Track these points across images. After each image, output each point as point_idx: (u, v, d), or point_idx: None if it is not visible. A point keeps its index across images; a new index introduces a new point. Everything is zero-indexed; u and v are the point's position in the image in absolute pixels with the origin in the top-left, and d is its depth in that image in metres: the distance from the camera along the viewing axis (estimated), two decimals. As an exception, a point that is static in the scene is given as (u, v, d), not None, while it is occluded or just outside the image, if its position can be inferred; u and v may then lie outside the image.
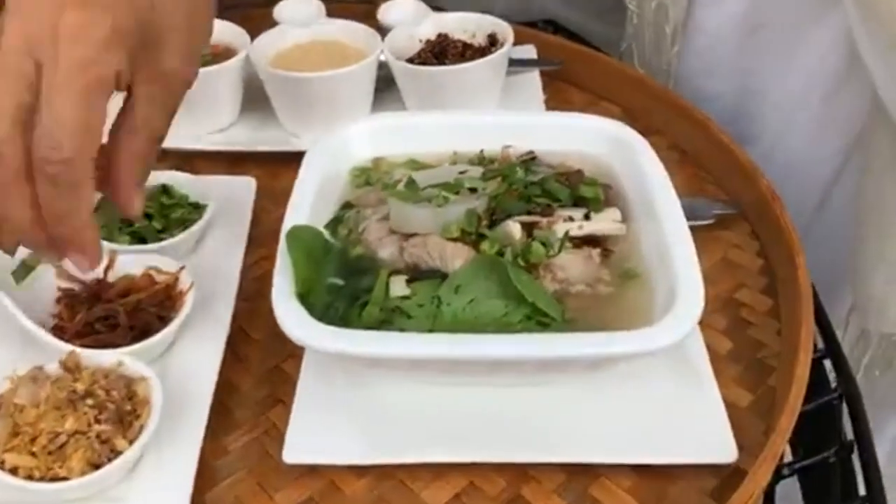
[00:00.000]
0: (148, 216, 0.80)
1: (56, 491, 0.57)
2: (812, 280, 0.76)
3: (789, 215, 0.81)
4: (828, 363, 0.76)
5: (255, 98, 1.02)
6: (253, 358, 0.75)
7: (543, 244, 0.63)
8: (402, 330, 0.61)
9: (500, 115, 0.80)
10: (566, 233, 0.65)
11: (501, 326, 0.61)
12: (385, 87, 1.02)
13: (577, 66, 1.11)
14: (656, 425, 0.65)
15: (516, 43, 1.11)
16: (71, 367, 0.62)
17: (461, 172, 0.71)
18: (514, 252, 0.63)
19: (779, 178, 0.92)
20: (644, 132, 1.01)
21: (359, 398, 0.67)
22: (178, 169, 0.97)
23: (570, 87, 1.13)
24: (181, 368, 0.69)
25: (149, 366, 0.68)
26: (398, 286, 0.64)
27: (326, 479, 0.64)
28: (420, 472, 0.64)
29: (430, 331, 0.61)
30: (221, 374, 0.72)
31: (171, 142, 0.96)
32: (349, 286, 0.65)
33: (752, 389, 0.71)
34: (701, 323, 0.75)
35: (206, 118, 0.99)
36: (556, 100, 1.10)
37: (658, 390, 0.67)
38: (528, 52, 1.12)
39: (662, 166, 0.73)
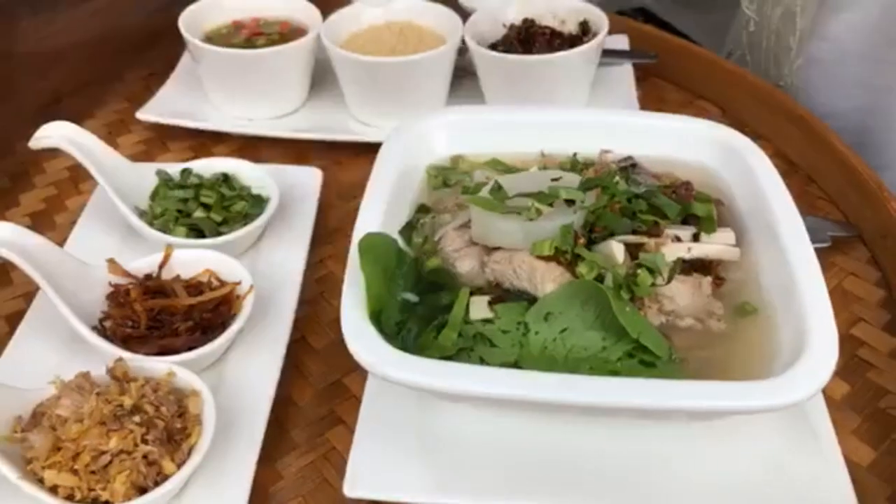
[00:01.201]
0: (206, 207, 0.74)
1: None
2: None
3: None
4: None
5: (326, 81, 0.96)
6: (313, 370, 0.68)
7: (651, 271, 0.55)
8: (482, 359, 0.54)
9: (595, 114, 0.72)
10: (678, 259, 0.57)
11: (598, 363, 0.53)
12: (464, 76, 0.95)
13: (672, 59, 1.02)
14: (764, 487, 0.56)
15: (609, 31, 1.03)
16: (119, 377, 0.57)
17: (554, 179, 0.63)
18: (616, 278, 0.55)
19: None
20: (747, 137, 0.94)
21: (430, 426, 0.60)
22: (240, 154, 0.92)
23: (664, 84, 1.03)
24: (236, 380, 0.64)
25: (203, 375, 0.63)
26: (479, 308, 0.56)
27: (389, 514, 0.58)
28: (491, 515, 0.57)
29: (516, 362, 0.54)
30: (279, 387, 0.66)
31: (233, 126, 0.93)
32: (425, 303, 0.58)
33: (875, 445, 0.62)
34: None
35: (272, 101, 0.93)
36: (649, 97, 1.01)
37: (767, 444, 0.58)
38: (621, 42, 1.03)
39: (782, 181, 0.64)
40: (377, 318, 0.54)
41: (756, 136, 0.92)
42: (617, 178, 0.62)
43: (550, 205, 0.59)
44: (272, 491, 0.60)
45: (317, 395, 0.66)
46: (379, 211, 0.62)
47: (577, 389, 0.49)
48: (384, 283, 0.55)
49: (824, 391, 0.65)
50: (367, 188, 0.64)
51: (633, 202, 0.59)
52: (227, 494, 0.56)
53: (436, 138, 0.72)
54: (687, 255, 0.60)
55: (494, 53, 0.88)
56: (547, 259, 0.57)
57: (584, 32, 0.93)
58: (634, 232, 0.58)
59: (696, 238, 0.61)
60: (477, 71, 0.91)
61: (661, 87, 1.02)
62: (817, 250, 0.75)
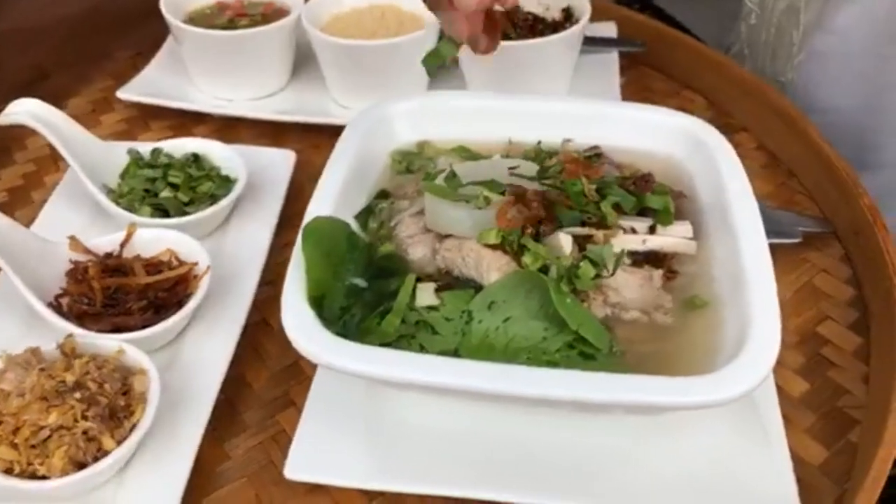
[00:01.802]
0: (174, 186, 0.74)
1: (34, 490, 0.52)
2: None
3: (893, 242, 0.70)
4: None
5: (308, 63, 0.96)
6: (271, 352, 0.69)
7: (595, 263, 0.54)
8: (422, 346, 0.54)
9: (562, 103, 0.71)
10: (623, 251, 0.56)
11: (537, 354, 0.53)
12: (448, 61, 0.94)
13: (660, 48, 1.00)
14: (710, 482, 0.56)
15: (597, 19, 1.01)
16: (67, 353, 0.57)
17: (512, 168, 0.62)
18: (560, 269, 0.54)
19: None
20: (730, 128, 0.92)
21: (376, 412, 0.60)
22: (220, 135, 0.92)
23: (652, 73, 1.02)
24: (189, 359, 0.64)
25: (157, 353, 0.64)
26: (426, 295, 0.56)
27: (331, 498, 0.58)
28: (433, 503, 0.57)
29: (456, 350, 0.54)
30: (235, 367, 0.66)
31: (212, 106, 0.93)
32: (372, 289, 0.58)
33: (828, 444, 0.61)
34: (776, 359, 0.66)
35: (253, 83, 0.93)
36: (635, 86, 1.00)
37: (716, 440, 0.58)
38: (609, 30, 1.01)
39: (745, 175, 0.63)
40: (319, 302, 0.54)
41: (740, 128, 0.92)
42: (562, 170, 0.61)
43: (502, 193, 0.59)
44: (219, 470, 0.60)
45: (272, 377, 0.67)
46: (332, 195, 0.61)
47: (502, 379, 0.49)
48: (328, 268, 0.55)
49: (782, 388, 0.64)
50: (323, 172, 0.64)
51: (584, 194, 0.58)
52: (168, 472, 0.56)
53: (402, 123, 0.71)
54: (641, 248, 0.59)
55: (472, 38, 0.87)
56: (494, 248, 0.57)
57: (567, 19, 0.91)
58: (584, 223, 0.57)
59: (652, 230, 0.61)
60: (457, 56, 0.90)
61: (648, 76, 1.01)
62: (788, 246, 0.76)
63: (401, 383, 0.51)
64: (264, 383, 0.66)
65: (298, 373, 0.67)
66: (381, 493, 0.57)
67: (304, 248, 0.54)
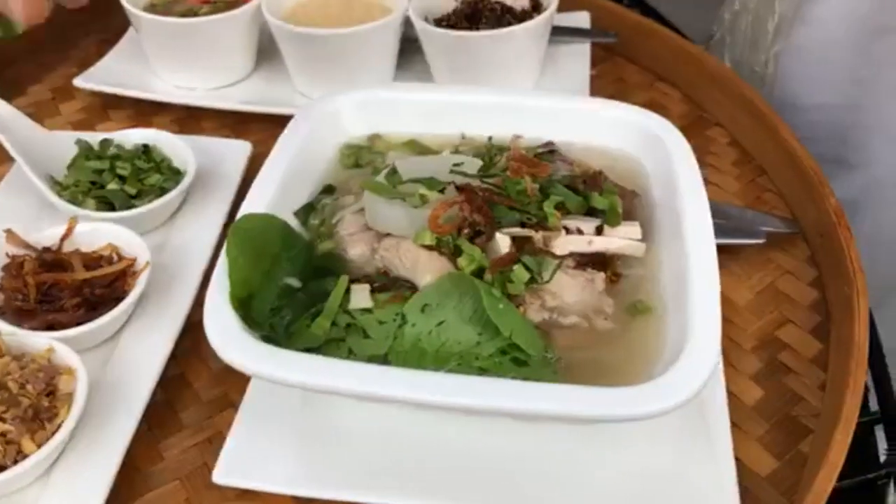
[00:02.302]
0: (122, 179, 0.73)
1: (-51, 493, 0.51)
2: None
3: (856, 245, 0.67)
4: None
5: (274, 52, 0.93)
6: (212, 351, 0.66)
7: (529, 268, 0.52)
8: (350, 351, 0.52)
9: (517, 97, 0.69)
10: (559, 257, 0.54)
11: (468, 359, 0.51)
12: (419, 49, 0.91)
13: (635, 39, 0.97)
14: (652, 489, 0.54)
15: (571, 8, 0.99)
16: (-12, 350, 0.56)
17: (457, 165, 0.60)
18: (494, 272, 0.52)
19: (882, 221, 0.78)
20: (703, 123, 0.90)
21: (310, 417, 0.58)
22: (180, 125, 0.91)
23: (627, 65, 0.99)
24: (126, 357, 0.62)
25: (94, 351, 0.62)
26: (360, 297, 0.54)
27: (263, 503, 0.57)
28: (368, 512, 0.56)
29: (385, 356, 0.52)
30: (176, 366, 0.65)
31: (171, 96, 0.91)
32: (308, 289, 0.56)
33: (779, 455, 0.59)
34: (730, 363, 0.64)
35: (213, 71, 0.91)
36: (608, 77, 0.97)
37: (660, 446, 0.56)
38: (583, 20, 0.99)
39: (699, 175, 0.61)
40: (247, 303, 0.53)
41: (713, 123, 0.90)
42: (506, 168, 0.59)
43: (442, 191, 0.57)
44: (150, 471, 0.59)
45: (213, 377, 0.65)
46: (271, 191, 0.60)
47: (418, 389, 0.47)
48: (257, 268, 0.54)
49: (735, 395, 0.62)
50: (263, 167, 0.62)
51: (524, 194, 0.56)
52: (94, 474, 0.55)
53: (352, 116, 0.69)
54: (586, 249, 0.57)
55: (436, 29, 0.85)
56: (430, 249, 0.55)
57: (535, 8, 0.89)
58: (524, 225, 0.55)
59: (600, 230, 0.59)
60: (422, 47, 0.88)
61: (622, 68, 0.98)
62: (753, 247, 0.74)
63: (319, 391, 0.49)
64: (204, 383, 0.65)
65: (239, 373, 0.64)
66: (313, 500, 0.56)
67: (228, 247, 0.53)
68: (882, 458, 0.60)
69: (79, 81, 0.91)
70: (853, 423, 0.55)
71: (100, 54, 0.99)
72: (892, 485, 0.59)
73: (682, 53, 0.93)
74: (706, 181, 0.80)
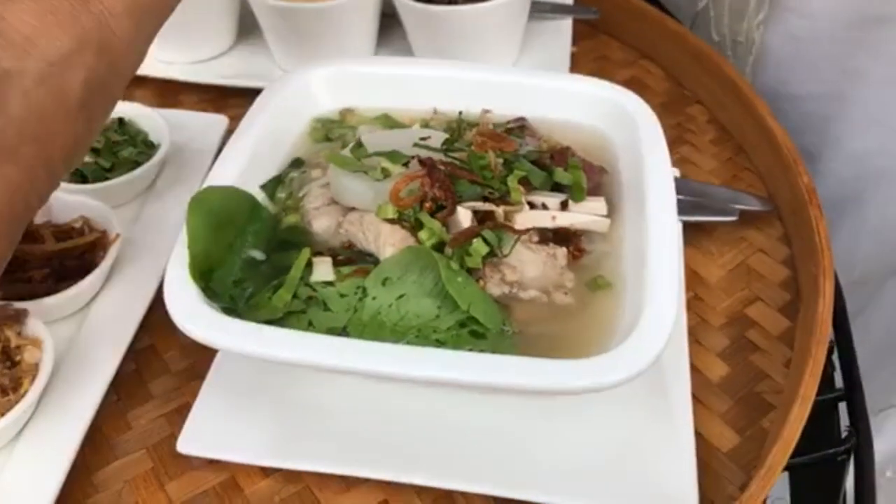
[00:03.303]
0: (95, 151, 0.73)
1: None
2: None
3: (825, 225, 0.67)
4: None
5: (255, 26, 0.93)
6: (183, 322, 0.67)
7: (488, 242, 0.52)
8: (310, 323, 0.52)
9: (486, 72, 0.68)
10: (521, 232, 0.54)
11: (426, 332, 0.51)
12: (398, 23, 0.91)
13: (619, 16, 0.97)
14: (609, 464, 0.55)
15: (554, -17, 0.98)
16: (-46, 321, 0.56)
17: (423, 138, 0.60)
18: (453, 246, 0.52)
19: (867, 215, 0.77)
20: (684, 100, 0.89)
21: (276, 387, 0.59)
22: (160, 98, 0.91)
23: (611, 41, 0.99)
24: (97, 328, 0.63)
25: (64, 321, 0.63)
26: (323, 270, 0.55)
27: (228, 473, 0.57)
28: (331, 482, 0.56)
29: (344, 328, 0.52)
30: (147, 337, 0.65)
31: (148, 69, 0.91)
32: (271, 262, 0.57)
33: (741, 430, 0.59)
34: (697, 340, 0.65)
35: (193, 45, 0.91)
36: (591, 54, 0.97)
37: (621, 420, 0.57)
38: (566, -6, 0.98)
39: (666, 151, 0.60)
40: (209, 275, 0.53)
41: (694, 101, 0.89)
42: (470, 143, 0.59)
43: (406, 164, 0.57)
44: (118, 440, 0.60)
45: (182, 349, 0.65)
46: (237, 163, 0.60)
47: (383, 360, 0.47)
48: (217, 240, 0.54)
49: (701, 371, 0.63)
50: (230, 140, 0.62)
51: (486, 169, 0.56)
52: (59, 443, 0.55)
53: (323, 89, 0.69)
54: (550, 224, 0.57)
55: (414, 3, 0.84)
56: (392, 222, 0.55)
57: (516, -17, 0.88)
58: (486, 199, 0.55)
59: (564, 206, 0.59)
60: (401, 22, 0.88)
61: (605, 45, 0.98)
62: (727, 224, 0.74)
63: (276, 362, 0.50)
64: (174, 354, 0.65)
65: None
66: (278, 469, 0.57)
67: (188, 219, 0.53)
68: (843, 435, 0.61)
69: (57, 54, 0.90)
70: (810, 400, 0.55)
71: (82, 27, 0.99)
72: (851, 461, 0.59)
73: (664, 31, 0.93)
74: (685, 159, 0.82)
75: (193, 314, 0.50)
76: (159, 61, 0.92)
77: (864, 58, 0.86)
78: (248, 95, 0.88)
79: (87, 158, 0.73)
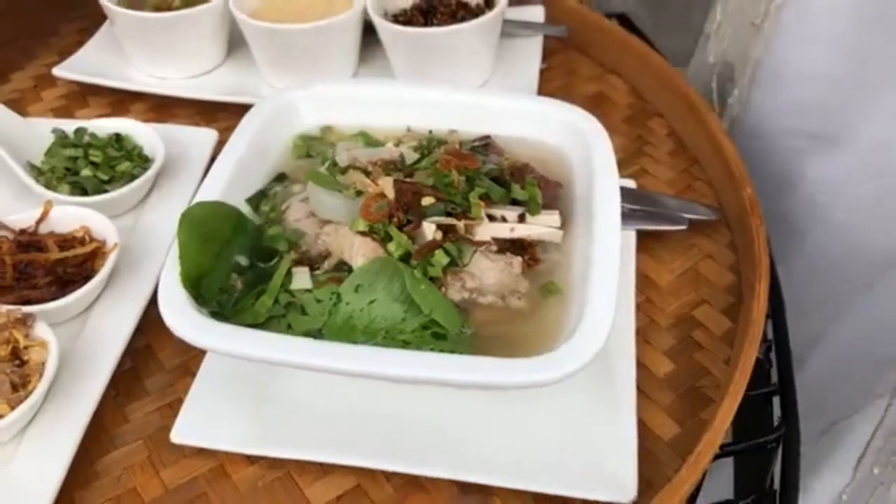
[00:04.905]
0: (94, 165, 0.79)
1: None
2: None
3: (766, 232, 0.73)
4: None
5: (244, 43, 0.99)
6: (176, 324, 0.73)
7: (449, 253, 0.58)
8: (289, 326, 0.58)
9: (456, 94, 0.74)
10: (480, 243, 0.60)
11: (393, 333, 0.57)
12: (379, 41, 0.96)
13: (587, 34, 1.03)
14: (560, 450, 0.61)
15: (526, 2, 1.04)
16: (-30, 323, 0.62)
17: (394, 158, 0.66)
18: (418, 257, 0.58)
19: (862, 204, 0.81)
20: (646, 113, 0.96)
21: (260, 383, 0.65)
22: (156, 113, 0.96)
23: (580, 57, 1.05)
24: (96, 330, 0.69)
25: (67, 324, 0.68)
26: (301, 278, 0.61)
27: (216, 460, 0.63)
28: (309, 468, 0.62)
29: (320, 330, 0.58)
30: (143, 337, 0.71)
31: (146, 85, 0.97)
32: (255, 270, 0.63)
33: (682, 421, 0.66)
34: (646, 340, 0.71)
35: (184, 62, 0.97)
36: (560, 69, 1.03)
37: (572, 412, 0.63)
38: (537, 14, 1.04)
39: (614, 167, 0.66)
40: (197, 282, 0.59)
41: (655, 114, 0.96)
42: (436, 161, 0.65)
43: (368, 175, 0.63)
44: (116, 432, 0.65)
45: (176, 349, 0.71)
46: (224, 179, 0.66)
47: (341, 359, 0.54)
48: (205, 251, 0.60)
49: (648, 368, 0.69)
50: (217, 158, 0.68)
51: (449, 187, 0.62)
52: (64, 433, 0.61)
53: (306, 108, 0.75)
54: (508, 235, 0.63)
55: (391, 25, 0.90)
56: (364, 235, 0.61)
57: (488, 4, 0.94)
58: (449, 214, 0.61)
59: (522, 219, 0.65)
60: (381, 41, 0.94)
61: (575, 60, 1.04)
62: (679, 232, 0.80)
63: (258, 361, 0.56)
64: (168, 353, 0.71)
65: (201, 345, 0.71)
66: (261, 457, 0.63)
67: (178, 232, 0.59)
68: (775, 424, 0.67)
69: (58, 71, 0.96)
70: (740, 393, 0.61)
71: (79, 42, 1.04)
72: (780, 448, 0.66)
73: (626, 47, 0.99)
74: (644, 170, 0.88)
75: (184, 318, 0.56)
76: (154, 77, 0.97)
77: (882, 45, 0.80)
78: (237, 109, 0.95)
79: (87, 172, 0.78)
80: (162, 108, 0.97)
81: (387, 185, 0.61)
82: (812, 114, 0.86)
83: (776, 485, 0.64)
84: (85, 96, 0.99)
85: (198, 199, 0.63)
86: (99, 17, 1.05)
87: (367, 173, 0.62)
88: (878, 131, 0.83)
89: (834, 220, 0.88)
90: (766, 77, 0.90)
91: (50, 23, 1.09)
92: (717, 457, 0.62)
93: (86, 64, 0.98)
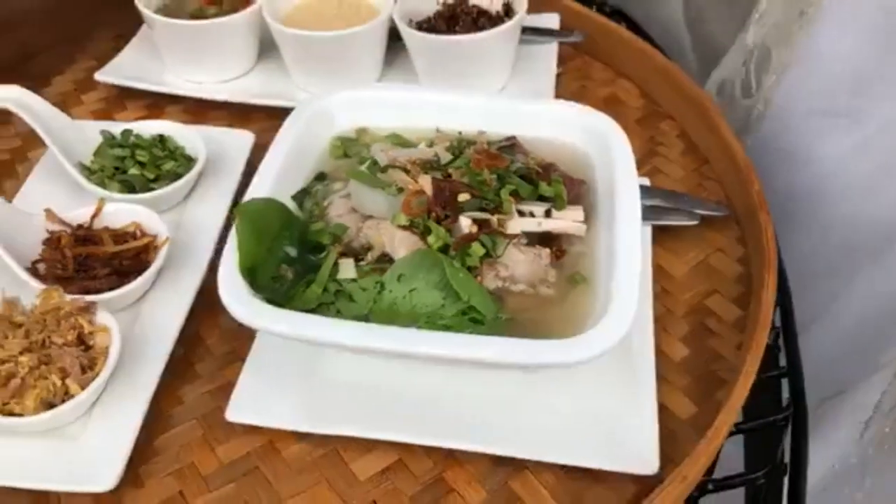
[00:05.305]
0: (141, 164, 0.83)
1: (11, 425, 0.62)
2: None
3: (773, 228, 0.78)
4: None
5: (276, 48, 1.03)
6: (224, 313, 0.77)
7: (484, 245, 0.63)
8: (339, 312, 0.63)
9: (482, 99, 0.79)
10: (511, 236, 0.65)
11: (434, 318, 0.62)
12: (403, 47, 1.01)
13: (600, 39, 1.08)
14: (587, 427, 0.66)
15: (543, 9, 1.09)
16: (38, 310, 0.67)
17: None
18: (456, 248, 0.63)
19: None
20: (657, 116, 1.01)
21: (307, 366, 0.70)
22: (191, 115, 1.01)
23: (594, 62, 1.10)
24: (150, 318, 0.74)
25: (122, 313, 0.73)
26: (347, 269, 0.66)
27: (266, 438, 0.68)
28: (354, 444, 0.67)
29: (367, 315, 0.63)
30: (192, 326, 0.76)
31: (182, 89, 1.02)
32: (303, 261, 0.68)
33: (698, 402, 0.71)
34: (664, 328, 0.76)
35: (218, 67, 1.02)
36: (575, 73, 1.08)
37: (597, 393, 0.68)
38: (552, 21, 1.09)
39: (633, 163, 0.71)
40: (252, 272, 0.64)
41: (666, 116, 1.01)
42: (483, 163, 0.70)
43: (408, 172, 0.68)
44: (172, 413, 0.70)
45: (224, 335, 0.76)
46: (271, 178, 0.71)
47: (392, 340, 0.59)
48: (260, 243, 0.65)
49: (665, 353, 0.74)
50: (264, 157, 0.73)
51: (484, 184, 0.67)
52: (127, 412, 0.66)
53: (342, 112, 0.80)
54: (536, 229, 0.68)
55: (416, 32, 0.95)
56: (404, 228, 0.66)
57: (507, 12, 0.99)
58: (483, 209, 0.66)
59: (548, 214, 0.70)
60: (406, 46, 0.99)
61: (589, 65, 1.09)
62: (691, 227, 0.85)
63: (313, 342, 0.61)
64: (216, 340, 0.76)
65: (246, 332, 0.75)
66: (309, 434, 0.68)
67: (236, 226, 0.64)
68: (784, 404, 0.72)
69: (99, 76, 1.01)
70: (752, 375, 0.66)
71: (114, 48, 1.09)
72: (789, 426, 0.71)
73: (639, 53, 1.04)
74: (657, 169, 0.93)
75: (244, 304, 0.61)
76: (189, 81, 1.02)
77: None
78: (268, 111, 1.00)
79: (134, 171, 0.83)
80: (196, 110, 1.02)
81: (426, 182, 0.66)
82: (833, 94, 0.90)
83: (786, 458, 0.69)
84: (122, 99, 1.04)
85: (248, 195, 0.68)
86: (131, 24, 1.10)
87: (406, 171, 0.67)
88: (891, 108, 0.87)
89: (843, 193, 0.93)
90: (800, 59, 0.92)
91: (86, 30, 1.14)
92: (731, 434, 0.67)
93: (124, 68, 1.03)
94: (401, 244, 0.65)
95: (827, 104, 0.91)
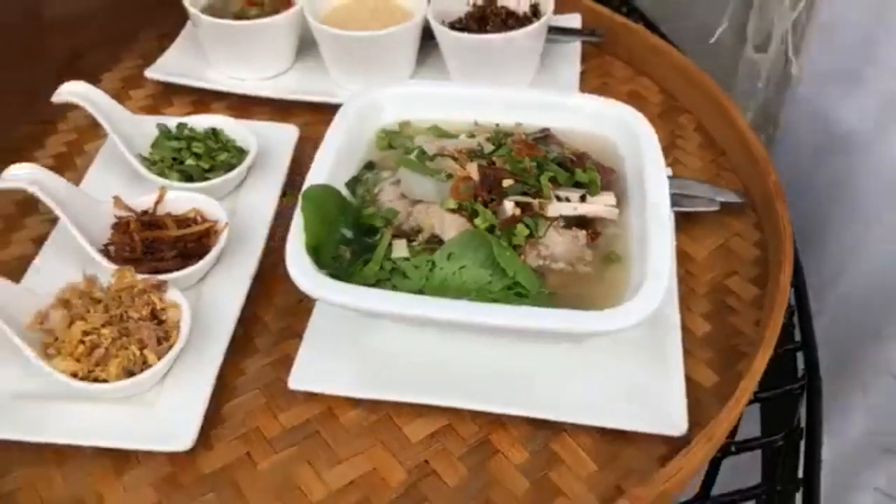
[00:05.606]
0: (196, 156, 0.89)
1: (98, 391, 0.68)
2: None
3: (789, 216, 0.84)
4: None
5: (313, 45, 1.09)
6: (278, 293, 0.84)
7: (528, 226, 0.69)
8: (395, 287, 0.69)
9: (517, 93, 0.86)
10: (551, 219, 0.71)
11: (482, 293, 0.68)
12: (435, 46, 1.07)
13: (620, 38, 1.14)
14: (621, 394, 0.72)
15: (563, 10, 1.15)
16: (114, 288, 0.73)
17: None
18: (502, 229, 0.70)
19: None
20: (675, 111, 1.07)
21: (362, 337, 0.76)
22: (235, 111, 1.07)
23: (614, 61, 1.15)
24: (212, 297, 0.80)
25: (186, 293, 0.79)
26: (400, 249, 0.71)
27: (325, 405, 0.74)
28: (406, 410, 0.73)
29: (420, 290, 0.69)
30: (248, 306, 0.81)
31: (226, 85, 1.08)
32: (358, 242, 0.73)
33: (720, 373, 0.76)
34: (687, 307, 0.82)
35: (260, 65, 1.07)
36: (597, 71, 1.13)
37: (630, 364, 0.73)
38: (574, 20, 1.15)
39: (660, 154, 0.77)
40: (316, 251, 0.70)
41: (684, 111, 1.07)
42: (511, 150, 0.76)
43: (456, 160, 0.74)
44: (236, 383, 0.76)
45: (279, 313, 0.82)
46: (327, 166, 0.76)
47: (453, 310, 0.65)
48: (322, 224, 0.71)
49: (689, 329, 0.80)
50: (319, 147, 0.79)
51: (526, 171, 0.73)
52: (197, 381, 0.72)
53: (387, 106, 0.86)
54: (572, 213, 0.74)
55: (449, 31, 1.01)
56: (453, 211, 0.72)
57: (535, 13, 1.05)
58: (525, 193, 0.72)
59: (583, 199, 0.76)
60: (439, 44, 1.04)
61: (609, 64, 1.15)
62: (710, 213, 0.91)
63: (375, 313, 0.67)
64: (273, 317, 0.82)
65: (301, 309, 0.82)
66: (364, 400, 0.73)
67: (302, 209, 0.70)
68: (800, 375, 0.78)
69: (149, 73, 1.07)
70: (771, 347, 0.72)
71: (160, 47, 1.15)
72: (804, 395, 0.77)
73: (658, 51, 1.10)
74: (677, 161, 0.99)
75: (311, 279, 0.67)
76: (232, 78, 1.08)
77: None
78: (308, 106, 1.06)
79: (191, 161, 0.89)
80: (239, 106, 1.08)
81: (472, 169, 0.72)
82: (843, 56, 0.95)
83: (802, 423, 0.75)
84: (169, 96, 1.10)
85: (307, 183, 0.74)
86: (174, 24, 1.16)
87: (454, 159, 0.73)
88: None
89: (852, 150, 0.98)
90: (820, 28, 0.97)
91: (131, 30, 1.20)
92: (751, 402, 0.73)
93: (170, 66, 1.09)
94: (450, 226, 0.71)
95: (835, 66, 0.94)
